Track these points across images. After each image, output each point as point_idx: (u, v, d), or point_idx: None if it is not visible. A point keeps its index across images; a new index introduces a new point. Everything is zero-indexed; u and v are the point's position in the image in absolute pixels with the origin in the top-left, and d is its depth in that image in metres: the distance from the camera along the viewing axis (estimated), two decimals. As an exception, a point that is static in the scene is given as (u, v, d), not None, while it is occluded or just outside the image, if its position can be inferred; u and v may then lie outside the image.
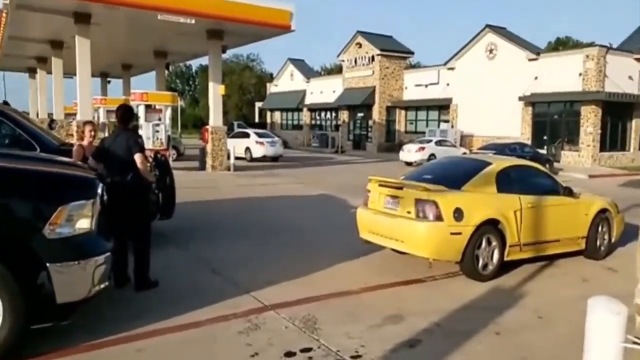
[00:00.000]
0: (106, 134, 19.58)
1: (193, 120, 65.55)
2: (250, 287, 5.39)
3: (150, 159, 6.70)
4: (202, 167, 19.19)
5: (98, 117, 25.54)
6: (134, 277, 5.26)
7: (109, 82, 35.45)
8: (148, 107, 18.34)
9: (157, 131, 18.01)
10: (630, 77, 26.54)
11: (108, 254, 4.04)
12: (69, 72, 22.99)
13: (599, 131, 25.63)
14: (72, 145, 7.85)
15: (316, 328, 4.38)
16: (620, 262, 7.01)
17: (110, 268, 4.14)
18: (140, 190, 5.33)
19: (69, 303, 3.77)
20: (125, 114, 5.58)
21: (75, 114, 22.37)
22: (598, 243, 7.20)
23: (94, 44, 17.00)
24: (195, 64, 75.70)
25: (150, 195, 6.07)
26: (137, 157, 5.21)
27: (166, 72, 27.29)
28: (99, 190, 4.21)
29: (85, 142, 6.57)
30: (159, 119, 18.43)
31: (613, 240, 7.45)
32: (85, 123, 7.18)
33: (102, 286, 3.95)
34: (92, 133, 6.63)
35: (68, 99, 27.08)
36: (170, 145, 19.16)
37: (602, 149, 26.03)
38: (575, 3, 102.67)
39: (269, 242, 7.71)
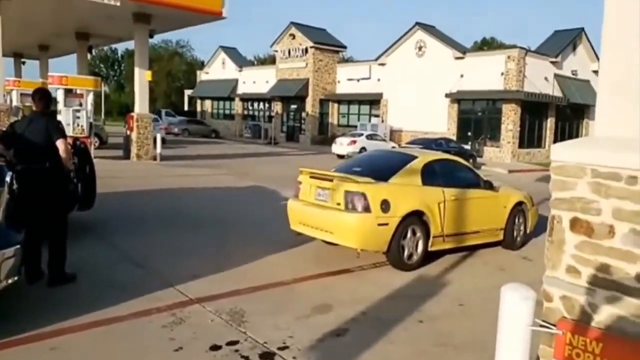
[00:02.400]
0: (18, 118, 18.29)
1: (118, 107, 62.69)
2: (175, 280, 5.22)
3: (69, 146, 6.31)
4: (127, 155, 18.42)
5: (11, 100, 23.74)
6: (47, 271, 4.93)
7: (23, 63, 33.09)
8: (68, 92, 17.23)
9: (78, 117, 16.97)
10: (546, 79, 28.33)
11: (17, 246, 3.78)
12: (-25, 50, 21.18)
13: (518, 129, 27.19)
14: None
15: (243, 321, 4.32)
16: (535, 252, 7.46)
17: (20, 261, 3.86)
18: (58, 178, 4.99)
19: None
20: (43, 97, 5.20)
21: (-18, 97, 20.67)
22: (515, 234, 7.62)
23: (5, 21, 15.74)
24: (121, 47, 72.34)
25: (69, 185, 5.72)
26: (60, 144, 4.87)
27: (89, 55, 25.86)
28: (7, 179, 3.91)
29: None
30: (80, 105, 17.40)
31: (528, 231, 7.91)
32: None
33: (9, 281, 3.70)
34: None
35: (-24, 80, 24.96)
36: (92, 133, 18.16)
37: (521, 145, 27.64)
38: (499, 5, 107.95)
39: (196, 234, 7.52)
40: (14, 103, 23.46)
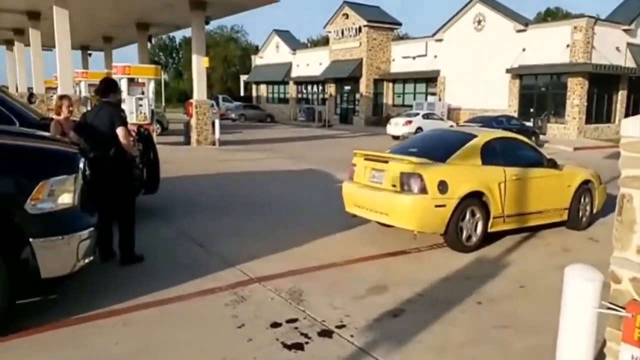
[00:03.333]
0: (89, 108, 19.26)
1: (177, 94, 64.64)
2: (235, 260, 5.40)
3: (134, 133, 6.61)
4: (187, 141, 19.02)
5: (80, 91, 25.02)
6: (119, 251, 5.24)
7: (90, 55, 34.73)
8: (131, 81, 17.96)
9: (141, 105, 17.70)
10: (617, 49, 26.58)
11: (92, 228, 4.02)
12: (48, 44, 22.43)
13: (585, 103, 25.79)
14: (52, 119, 7.70)
15: (302, 299, 4.42)
16: (602, 232, 7.12)
17: (95, 243, 4.12)
18: (123, 164, 5.26)
19: (54, 278, 3.78)
20: (107, 87, 5.47)
21: (55, 88, 21.90)
22: (580, 214, 7.31)
23: (73, 15, 16.56)
24: (178, 35, 74.42)
25: (134, 170, 6.01)
26: (120, 131, 5.13)
27: (149, 44, 26.71)
28: (81, 165, 4.15)
29: (62, 117, 6.44)
30: (142, 93, 18.09)
31: (595, 211, 7.56)
32: (62, 97, 6.88)
33: (86, 261, 3.95)
34: (70, 108, 6.49)
35: (48, 73, 26.52)
36: (154, 120, 18.88)
37: (588, 121, 26.23)
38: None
39: (255, 216, 7.71)
40: (83, 93, 24.75)
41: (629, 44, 27.13)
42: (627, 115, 27.30)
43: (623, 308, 2.48)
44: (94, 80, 26.28)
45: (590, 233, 7.20)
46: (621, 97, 27.77)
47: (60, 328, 3.79)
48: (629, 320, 2.42)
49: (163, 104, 43.20)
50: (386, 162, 6.22)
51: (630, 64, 26.96)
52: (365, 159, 6.52)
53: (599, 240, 6.79)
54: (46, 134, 5.52)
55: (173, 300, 4.36)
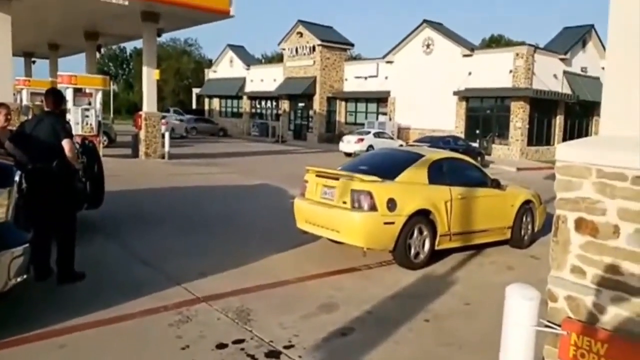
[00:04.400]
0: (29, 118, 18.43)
1: (127, 105, 63.06)
2: (181, 278, 5.26)
3: (77, 145, 6.37)
4: (135, 154, 18.52)
5: (20, 99, 23.94)
6: (56, 269, 4.98)
7: (33, 62, 33.33)
8: (77, 91, 17.39)
9: (87, 116, 17.16)
10: (555, 76, 28.09)
11: (26, 245, 3.83)
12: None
13: (527, 126, 27.01)
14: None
15: (249, 319, 4.35)
16: (543, 251, 7.39)
17: (29, 260, 3.91)
18: (66, 177, 5.05)
19: (-18, 298, 3.55)
20: (53, 97, 5.25)
21: (-5, 96, 20.82)
22: (522, 233, 7.59)
23: (16, 20, 15.84)
24: (129, 46, 72.69)
25: (77, 183, 5.77)
26: (65, 144, 4.92)
27: (98, 54, 26.02)
28: (17, 178, 3.96)
29: None
30: (89, 104, 17.55)
31: (536, 229, 7.87)
32: None
33: (19, 279, 3.74)
34: (8, 117, 6.17)
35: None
36: (101, 131, 18.31)
37: (529, 143, 27.46)
38: (508, 2, 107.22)
39: (203, 232, 7.56)
40: (24, 102, 23.68)
41: (565, 72, 28.75)
42: (564, 138, 28.93)
43: (559, 326, 2.58)
44: (37, 88, 25.25)
45: (531, 251, 7.48)
46: (559, 121, 29.30)
47: (-11, 352, 3.55)
48: (565, 337, 2.52)
49: (111, 115, 42.00)
50: (337, 179, 6.27)
51: (567, 90, 28.56)
52: (317, 176, 6.55)
53: (540, 258, 7.05)
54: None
55: (114, 321, 4.18)
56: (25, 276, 3.83)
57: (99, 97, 18.16)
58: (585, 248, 2.63)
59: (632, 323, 2.44)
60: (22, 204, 4.02)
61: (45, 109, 5.27)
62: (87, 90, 17.88)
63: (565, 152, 2.74)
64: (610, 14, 2.68)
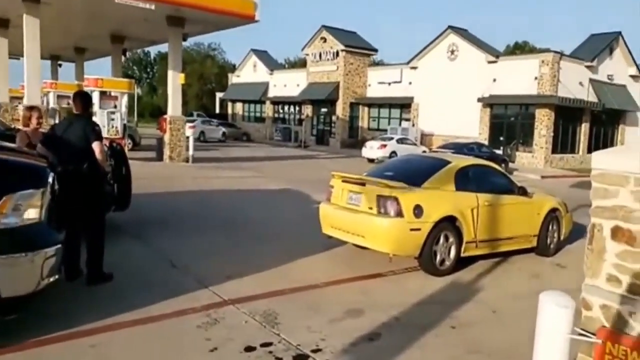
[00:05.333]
0: (56, 120, 18.86)
1: (150, 108, 64.09)
2: (209, 281, 5.31)
3: (106, 148, 6.49)
4: (160, 157, 18.78)
5: (47, 102, 24.49)
6: (86, 270, 5.08)
7: (60, 65, 34.00)
8: (103, 94, 17.75)
9: (113, 119, 17.48)
10: (580, 83, 27.65)
11: (59, 245, 3.89)
12: (16, 52, 21.89)
13: (552, 134, 26.62)
14: (18, 130, 7.49)
15: (277, 322, 4.37)
16: (569, 259, 7.30)
17: (61, 260, 3.99)
18: (95, 180, 5.15)
19: (16, 297, 3.59)
20: (84, 100, 5.38)
21: (22, 98, 21.38)
22: (548, 241, 7.48)
23: (44, 24, 16.26)
24: (153, 50, 73.89)
25: (106, 186, 5.89)
26: (96, 146, 5.03)
27: (123, 58, 26.48)
28: (50, 179, 4.05)
29: (30, 129, 6.28)
30: (115, 107, 17.89)
31: (562, 238, 7.75)
32: (32, 108, 6.68)
33: (51, 279, 3.80)
34: (39, 119, 6.34)
35: (14, 82, 25.85)
36: (126, 135, 18.63)
37: (554, 151, 27.05)
38: (533, 8, 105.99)
39: (229, 235, 7.62)
40: (51, 105, 24.25)
41: (591, 80, 28.28)
42: (589, 146, 28.46)
43: (594, 334, 2.53)
44: (64, 91, 25.81)
45: (557, 259, 7.36)
46: (584, 129, 28.81)
47: (23, 350, 3.62)
48: (599, 346, 2.47)
49: (135, 118, 42.70)
50: (363, 184, 6.27)
51: (592, 98, 28.08)
52: (343, 181, 6.56)
53: (566, 266, 6.95)
54: (13, 145, 5.36)
55: (143, 322, 4.24)
56: (57, 276, 3.90)
57: (125, 100, 18.49)
58: (622, 256, 2.58)
59: (670, 334, 2.39)
60: (55, 205, 4.11)
61: (75, 111, 5.38)
62: (113, 94, 18.24)
63: (602, 159, 2.69)
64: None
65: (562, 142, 27.68)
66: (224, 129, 36.95)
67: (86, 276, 5.06)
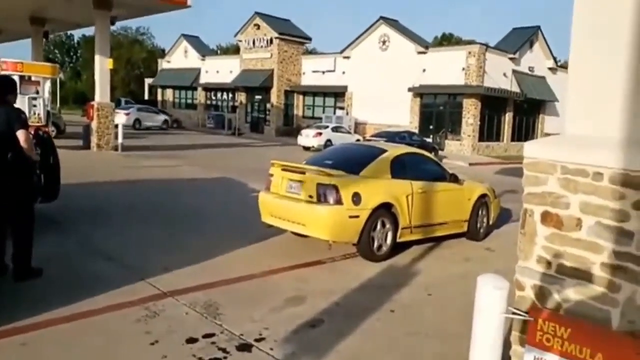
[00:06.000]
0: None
1: (74, 94, 60.74)
2: (146, 273, 5.17)
3: (31, 137, 6.11)
4: (87, 146, 17.90)
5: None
6: (13, 265, 4.78)
7: (-27, 47, 31.55)
8: (23, 79, 16.65)
9: (35, 105, 16.42)
10: (504, 75, 29.09)
11: (-16, 240, 3.65)
12: None
13: (479, 123, 27.87)
14: None
15: (218, 313, 4.33)
16: (497, 243, 7.72)
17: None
18: (22, 170, 4.83)
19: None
20: (7, 86, 5.02)
21: None
22: (478, 225, 7.86)
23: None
24: (77, 34, 69.93)
25: (33, 176, 5.54)
26: (21, 134, 4.72)
27: (44, 41, 24.88)
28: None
29: None
30: (37, 92, 16.83)
31: (491, 222, 8.18)
32: None
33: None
34: None
35: None
36: (49, 122, 17.59)
37: (481, 139, 28.35)
38: (459, 2, 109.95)
39: (164, 227, 7.42)
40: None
41: (514, 71, 29.84)
42: (513, 134, 30.11)
43: (526, 313, 2.72)
44: (-23, 75, 23.86)
45: (487, 243, 7.77)
46: (508, 118, 30.39)
47: (-54, 351, 3.40)
48: (531, 323, 2.66)
49: (58, 105, 40.30)
50: (303, 173, 6.30)
51: (515, 88, 29.65)
52: (283, 170, 6.56)
53: (495, 250, 7.35)
54: None
55: (78, 317, 4.07)
56: (-17, 272, 3.67)
57: (48, 86, 17.45)
58: (550, 239, 2.78)
59: (592, 308, 2.61)
60: (-21, 197, 3.84)
61: None
62: (34, 79, 17.14)
63: (533, 149, 2.88)
64: (575, 10, 2.82)
65: (488, 131, 29.05)
66: (166, 117, 35.64)
67: (13, 272, 4.77)
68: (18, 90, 15.87)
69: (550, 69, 32.64)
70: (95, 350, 3.62)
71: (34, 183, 5.54)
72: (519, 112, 31.05)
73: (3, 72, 15.84)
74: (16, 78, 15.89)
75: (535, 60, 31.55)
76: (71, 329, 3.90)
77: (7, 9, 20.92)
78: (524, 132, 31.20)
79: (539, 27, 31.85)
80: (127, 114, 31.83)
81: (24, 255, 4.81)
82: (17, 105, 10.31)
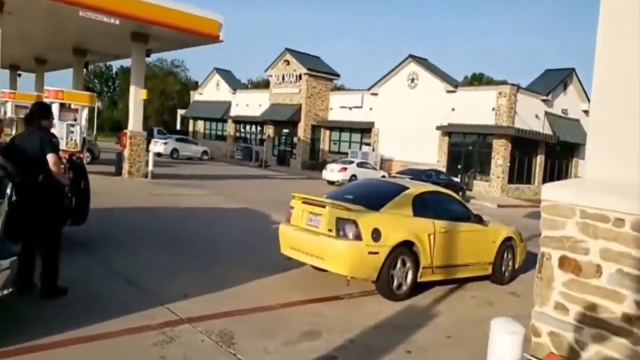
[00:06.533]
0: (14, 131, 18.24)
1: (110, 123, 62.80)
2: (165, 299, 5.23)
3: (65, 161, 6.36)
4: (119, 172, 18.37)
5: (5, 112, 23.70)
6: (40, 283, 4.92)
7: (19, 75, 33.04)
8: (63, 106, 17.38)
9: (72, 132, 17.11)
10: (536, 116, 28.88)
11: (14, 258, 3.79)
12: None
13: (508, 164, 27.57)
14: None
15: (233, 342, 4.34)
16: (522, 287, 7.53)
17: (16, 273, 3.87)
18: (51, 192, 5.03)
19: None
20: (42, 111, 5.28)
21: (-21, 107, 20.65)
22: (503, 269, 7.70)
23: (4, 34, 15.82)
24: (115, 64, 72.76)
25: (63, 199, 5.74)
26: (50, 158, 4.93)
27: (85, 71, 25.96)
28: (8, 190, 3.95)
29: None
30: (75, 119, 17.51)
31: (517, 266, 8.00)
32: None
33: (5, 292, 3.70)
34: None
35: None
36: (85, 148, 18.19)
37: (510, 180, 27.98)
38: (490, 43, 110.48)
39: (187, 254, 7.52)
40: (9, 114, 23.45)
41: (546, 113, 29.60)
42: (545, 177, 29.57)
43: None
44: (22, 101, 25.07)
45: (512, 288, 7.59)
46: (540, 160, 29.99)
47: (-32, 366, 3.49)
48: (548, 371, 2.60)
49: (95, 132, 41.66)
50: (323, 206, 6.34)
51: (548, 131, 29.34)
52: (303, 202, 6.61)
53: (520, 295, 7.17)
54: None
55: (97, 338, 4.13)
56: (11, 289, 3.80)
57: (85, 113, 18.12)
58: (569, 286, 2.74)
59: None
60: (11, 217, 4.00)
61: (34, 123, 5.27)
62: (73, 106, 17.84)
63: (551, 192, 2.87)
64: (597, 57, 2.85)
65: (519, 173, 28.69)
66: (205, 148, 36.51)
67: (40, 290, 4.90)
68: (57, 117, 16.64)
69: (585, 111, 32.20)
70: (110, 374, 3.66)
71: (64, 205, 5.74)
72: (552, 154, 30.64)
73: (45, 99, 16.58)
74: (57, 105, 16.70)
75: (570, 102, 31.26)
76: (90, 349, 3.96)
77: (54, 41, 22.06)
78: (557, 175, 30.64)
79: (573, 70, 31.66)
80: (165, 144, 32.94)
81: (51, 274, 4.95)
82: (55, 131, 10.81)
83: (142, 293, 5.44)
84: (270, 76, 38.77)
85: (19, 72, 32.69)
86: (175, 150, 33.55)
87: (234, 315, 5.03)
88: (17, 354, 3.72)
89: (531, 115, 28.25)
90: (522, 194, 28.16)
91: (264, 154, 35.27)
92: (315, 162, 35.07)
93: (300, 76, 35.80)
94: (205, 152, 35.82)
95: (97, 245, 7.41)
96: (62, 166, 5.43)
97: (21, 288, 4.73)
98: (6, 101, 23.76)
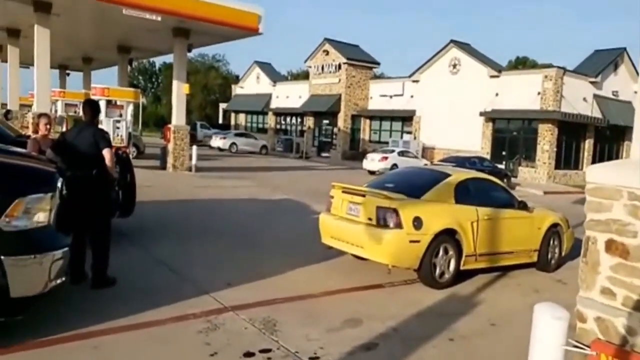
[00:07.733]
0: (64, 128, 19.05)
1: (154, 118, 64.45)
2: (209, 287, 5.37)
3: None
4: (163, 166, 18.89)
5: (55, 110, 24.75)
6: (91, 274, 5.15)
7: (68, 74, 34.42)
8: (109, 103, 18.02)
9: (118, 127, 17.69)
10: (584, 99, 27.73)
11: (66, 249, 3.98)
12: (26, 61, 22.23)
13: (555, 149, 26.66)
14: (28, 137, 7.65)
15: (275, 330, 4.42)
16: (570, 275, 7.30)
17: (67, 263, 4.06)
18: (103, 186, 5.25)
19: (24, 298, 3.68)
20: (91, 108, 5.50)
21: (30, 105, 21.65)
22: (549, 256, 7.50)
23: (53, 35, 16.49)
24: (158, 61, 74.58)
25: (112, 192, 5.97)
26: (106, 153, 5.16)
27: (129, 67, 26.74)
28: (59, 184, 4.14)
29: (39, 135, 6.41)
30: (120, 115, 18.10)
31: (563, 254, 7.77)
32: (40, 116, 6.89)
33: (58, 281, 3.88)
34: (48, 126, 6.48)
35: (23, 90, 26.16)
36: (130, 143, 18.79)
37: (557, 166, 27.06)
38: (534, 25, 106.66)
39: (229, 243, 7.68)
40: (59, 112, 24.49)
41: (595, 95, 28.35)
42: (593, 162, 28.29)
43: (588, 346, 2.59)
44: (71, 99, 26.16)
45: (558, 275, 7.39)
46: (588, 145, 28.83)
47: (27, 350, 3.70)
48: (593, 358, 2.52)
49: (140, 127, 42.89)
50: (363, 195, 6.33)
51: (597, 114, 28.13)
52: (343, 192, 6.62)
53: (567, 282, 6.97)
54: (24, 151, 5.47)
55: (145, 326, 4.30)
56: (63, 279, 3.98)
57: (130, 109, 18.68)
58: (616, 270, 2.64)
59: (663, 346, 2.44)
60: (63, 210, 4.19)
61: (84, 119, 5.51)
62: (119, 103, 18.44)
63: (596, 173, 2.77)
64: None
65: (566, 158, 27.71)
66: (264, 142, 37.26)
67: (91, 280, 5.13)
68: (103, 114, 17.26)
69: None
70: (158, 357, 3.81)
71: (113, 199, 5.97)
72: (601, 138, 29.39)
73: (93, 97, 17.21)
74: (103, 102, 17.31)
75: (621, 84, 29.78)
76: (139, 336, 4.13)
77: (99, 40, 22.83)
78: (607, 159, 29.32)
79: (624, 49, 30.08)
80: (224, 138, 34.22)
81: (101, 264, 5.17)
82: (102, 126, 11.14)
83: (187, 282, 5.61)
84: (310, 67, 38.83)
85: (67, 71, 34.06)
86: (234, 144, 34.47)
87: (277, 303, 5.11)
88: (70, 340, 3.92)
89: (579, 98, 27.14)
90: (569, 180, 27.20)
91: (304, 145, 35.43)
92: (356, 152, 34.97)
93: (339, 66, 35.68)
94: (264, 147, 36.35)
95: (143, 236, 7.67)
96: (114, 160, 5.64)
97: (73, 278, 4.98)
98: (57, 100, 24.77)
